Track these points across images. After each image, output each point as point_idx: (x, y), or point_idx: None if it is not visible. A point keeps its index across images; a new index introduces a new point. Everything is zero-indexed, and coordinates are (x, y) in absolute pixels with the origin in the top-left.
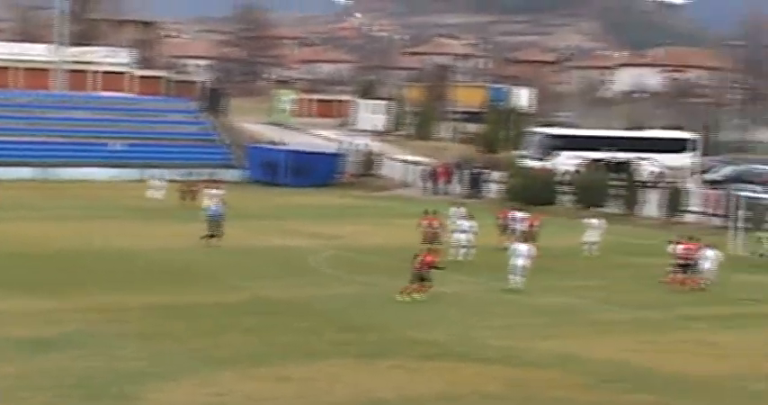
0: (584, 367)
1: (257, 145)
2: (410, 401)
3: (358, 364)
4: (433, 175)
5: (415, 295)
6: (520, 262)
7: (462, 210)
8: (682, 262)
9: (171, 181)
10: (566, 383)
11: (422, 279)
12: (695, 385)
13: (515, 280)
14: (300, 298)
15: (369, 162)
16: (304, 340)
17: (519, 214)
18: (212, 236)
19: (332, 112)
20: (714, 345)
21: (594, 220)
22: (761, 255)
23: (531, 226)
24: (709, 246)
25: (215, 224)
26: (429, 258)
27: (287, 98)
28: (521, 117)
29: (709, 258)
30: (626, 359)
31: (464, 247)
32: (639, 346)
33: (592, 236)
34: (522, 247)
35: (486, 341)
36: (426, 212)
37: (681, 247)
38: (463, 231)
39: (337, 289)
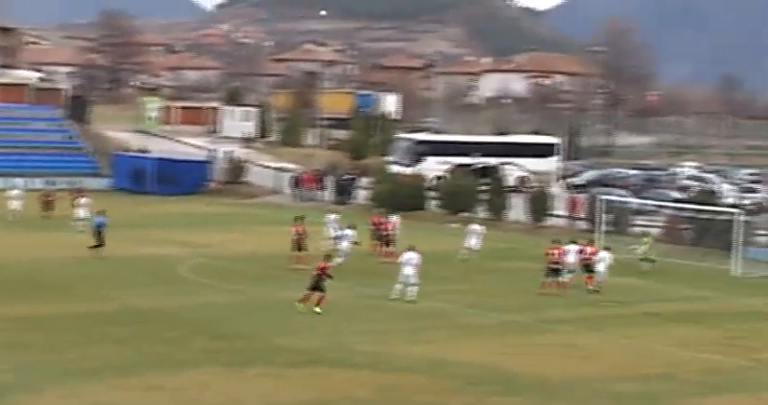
0: (451, 371)
1: (123, 153)
2: None
3: (228, 372)
4: (299, 182)
5: (300, 306)
6: (408, 271)
7: (335, 216)
8: (552, 267)
9: (33, 190)
10: (434, 388)
11: (318, 287)
12: (561, 387)
13: (398, 288)
14: (170, 307)
15: (237, 169)
16: (174, 349)
17: (394, 219)
18: (99, 245)
19: (199, 119)
20: (579, 347)
21: (477, 226)
22: (645, 258)
23: (386, 230)
24: (606, 248)
25: (98, 233)
26: (323, 265)
27: (153, 105)
28: (388, 123)
29: (603, 260)
30: (493, 362)
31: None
32: (506, 349)
33: (473, 241)
34: (411, 255)
35: (355, 347)
36: (296, 219)
37: (556, 251)
38: (340, 238)
39: (206, 297)
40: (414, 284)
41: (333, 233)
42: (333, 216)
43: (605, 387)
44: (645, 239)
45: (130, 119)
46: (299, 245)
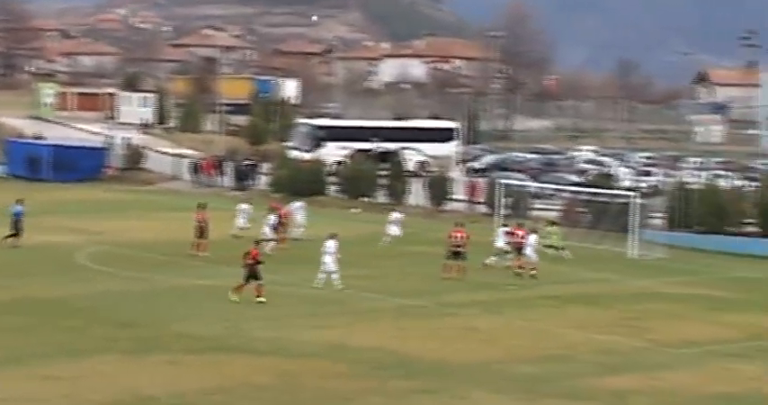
0: (353, 356)
1: (17, 139)
2: (179, 396)
3: (127, 360)
4: (198, 169)
5: (234, 297)
6: (326, 259)
7: (246, 206)
8: (454, 250)
9: None
10: (334, 372)
11: (254, 276)
12: (460, 370)
13: (321, 278)
14: (68, 295)
15: (134, 156)
16: (72, 338)
17: (297, 205)
18: (15, 234)
19: (96, 105)
20: (479, 330)
21: (398, 214)
22: (551, 247)
23: (281, 216)
24: (533, 231)
25: (16, 222)
26: (254, 252)
27: (48, 91)
28: (287, 108)
29: (530, 244)
30: (394, 347)
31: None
32: (407, 333)
33: (393, 228)
34: (330, 244)
35: (255, 333)
36: (198, 206)
37: (458, 234)
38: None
39: (105, 285)
40: (334, 272)
41: (242, 223)
42: (244, 205)
43: (505, 369)
44: (548, 229)
45: (25, 105)
46: (200, 232)
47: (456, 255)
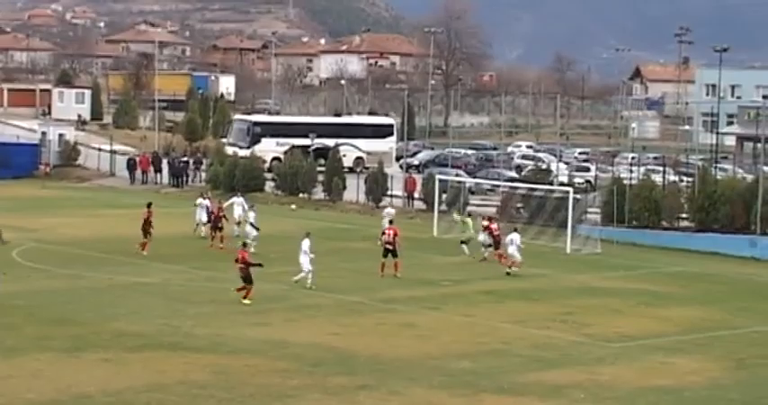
0: (291, 352)
1: None
2: (115, 394)
3: (61, 358)
4: (134, 165)
5: (244, 301)
6: (300, 258)
7: (200, 201)
8: (386, 247)
9: None
10: (273, 369)
11: (246, 279)
12: (398, 366)
13: (301, 275)
14: (2, 293)
15: (70, 152)
16: (6, 336)
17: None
18: None
19: (30, 101)
20: (417, 326)
21: (391, 210)
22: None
23: (217, 215)
24: (515, 229)
25: None
26: (242, 254)
27: None
28: (224, 105)
29: (512, 242)
30: (332, 343)
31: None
32: (345, 329)
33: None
34: (304, 242)
35: (193, 330)
36: (148, 205)
37: (388, 232)
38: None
39: (40, 283)
40: (307, 271)
41: (203, 219)
42: (201, 200)
43: (443, 365)
44: (466, 220)
45: None
46: (145, 230)
47: (388, 252)
